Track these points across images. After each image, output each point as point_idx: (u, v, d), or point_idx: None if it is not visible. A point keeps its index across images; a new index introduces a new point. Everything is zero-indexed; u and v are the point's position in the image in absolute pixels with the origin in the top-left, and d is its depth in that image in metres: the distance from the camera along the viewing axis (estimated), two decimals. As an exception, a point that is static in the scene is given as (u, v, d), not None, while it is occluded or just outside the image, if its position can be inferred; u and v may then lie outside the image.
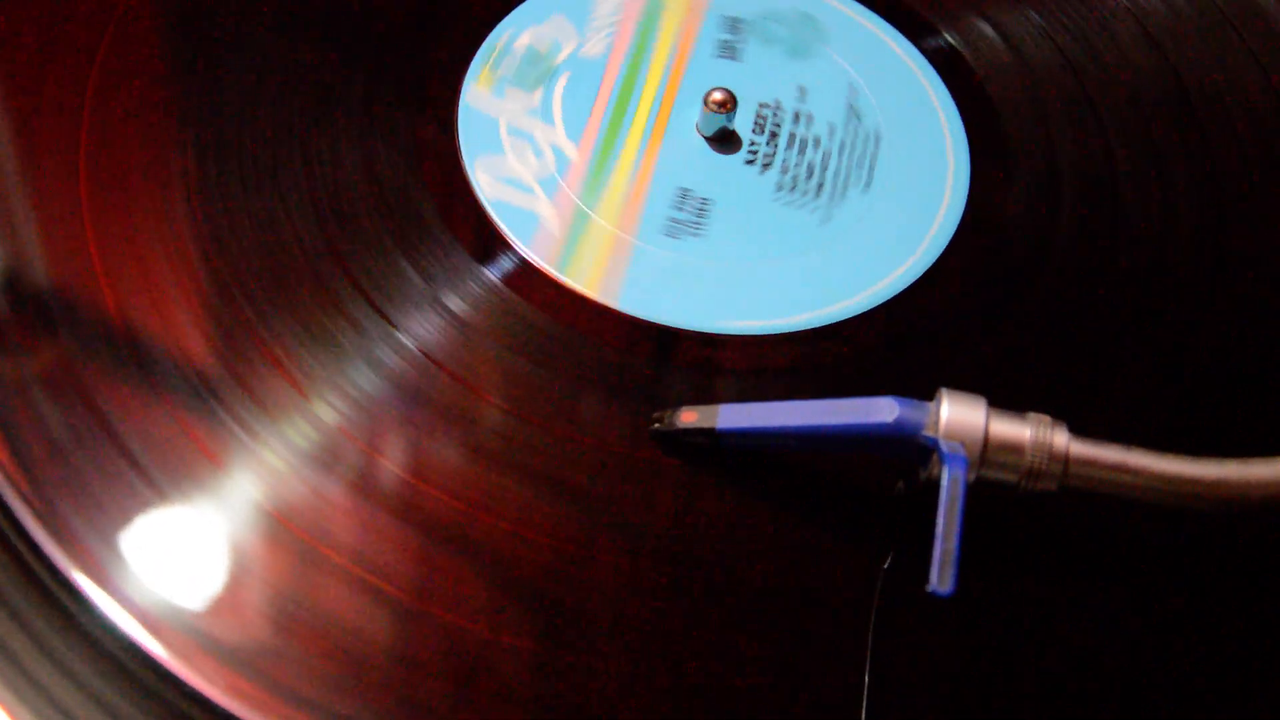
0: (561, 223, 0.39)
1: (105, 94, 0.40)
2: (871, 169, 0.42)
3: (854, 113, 0.44)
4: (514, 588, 0.32)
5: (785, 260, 0.39)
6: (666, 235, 0.39)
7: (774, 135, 0.43)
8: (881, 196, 0.41)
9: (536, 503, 0.33)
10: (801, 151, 0.42)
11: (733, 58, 0.45)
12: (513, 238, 0.39)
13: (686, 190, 0.41)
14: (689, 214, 0.40)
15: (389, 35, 0.43)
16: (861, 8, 0.47)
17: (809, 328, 0.38)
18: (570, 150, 0.41)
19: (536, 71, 0.43)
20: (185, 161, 0.39)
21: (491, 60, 0.43)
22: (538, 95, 0.42)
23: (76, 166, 0.38)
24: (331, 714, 0.29)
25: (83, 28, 0.41)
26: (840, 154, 0.43)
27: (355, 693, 0.30)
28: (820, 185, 0.42)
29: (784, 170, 0.42)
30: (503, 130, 0.41)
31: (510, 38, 0.44)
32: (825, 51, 0.45)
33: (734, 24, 0.46)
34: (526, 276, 0.38)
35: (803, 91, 0.44)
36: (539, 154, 0.41)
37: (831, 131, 0.43)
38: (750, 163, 0.42)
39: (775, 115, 0.43)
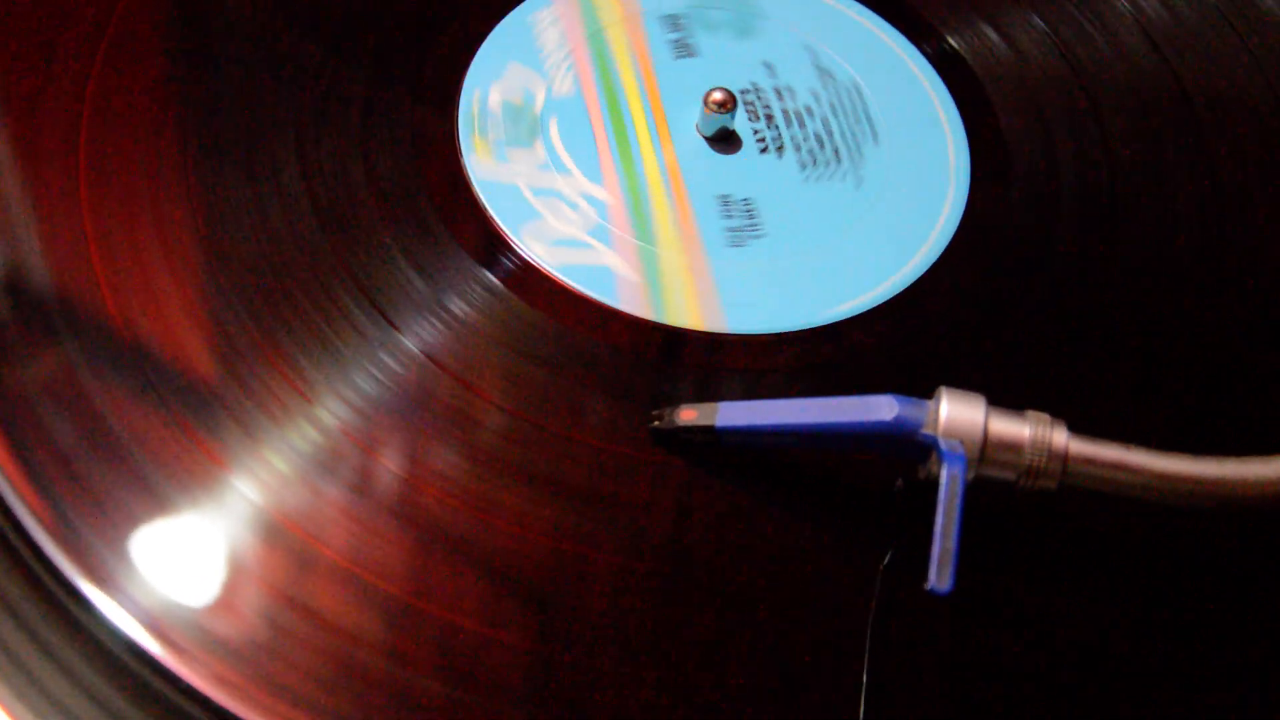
0: (633, 267, 0.39)
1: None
2: (869, 120, 0.43)
3: (824, 72, 0.45)
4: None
5: (843, 239, 0.40)
6: (733, 246, 0.40)
7: (770, 118, 0.43)
8: (893, 146, 0.43)
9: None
10: (802, 125, 0.43)
11: (690, 54, 0.45)
12: (598, 297, 0.38)
13: (726, 196, 0.41)
14: (740, 218, 0.40)
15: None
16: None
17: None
18: (600, 193, 0.41)
19: (524, 125, 0.42)
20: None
21: (476, 128, 0.42)
22: (539, 148, 0.42)
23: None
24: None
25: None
26: (836, 115, 0.44)
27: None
28: (836, 151, 0.42)
29: (796, 148, 0.42)
30: (527, 194, 0.40)
31: (481, 99, 0.43)
32: (769, 23, 0.46)
33: (673, 21, 0.46)
34: (630, 330, 0.37)
35: (770, 67, 0.45)
36: (574, 206, 0.40)
37: (817, 97, 0.44)
38: (764, 151, 0.42)
39: (760, 98, 0.44)
